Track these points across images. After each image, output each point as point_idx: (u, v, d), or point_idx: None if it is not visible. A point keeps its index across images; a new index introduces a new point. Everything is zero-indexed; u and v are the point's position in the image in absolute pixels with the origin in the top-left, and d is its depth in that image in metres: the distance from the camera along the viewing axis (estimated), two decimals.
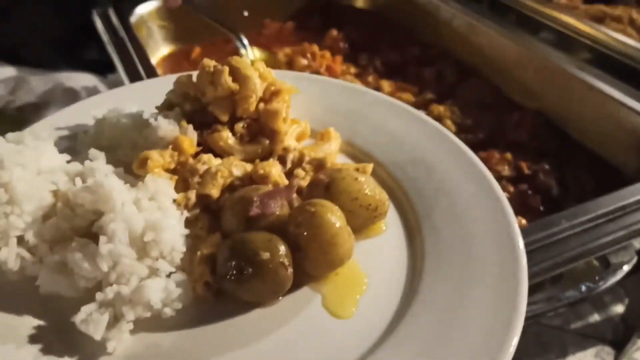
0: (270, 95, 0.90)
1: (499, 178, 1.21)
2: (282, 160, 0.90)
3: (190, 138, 0.85)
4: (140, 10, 1.70)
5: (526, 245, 0.81)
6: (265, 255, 0.70)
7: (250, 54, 1.59)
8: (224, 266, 0.71)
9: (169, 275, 0.72)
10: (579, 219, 0.97)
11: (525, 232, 0.83)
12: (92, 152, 0.84)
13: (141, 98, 0.98)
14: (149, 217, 0.73)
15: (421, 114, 0.97)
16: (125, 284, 0.70)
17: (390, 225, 0.84)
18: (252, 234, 0.73)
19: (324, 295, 0.75)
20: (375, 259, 0.80)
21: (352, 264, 0.78)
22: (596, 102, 1.30)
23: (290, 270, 0.71)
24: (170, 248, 0.73)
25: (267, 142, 0.89)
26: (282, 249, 0.71)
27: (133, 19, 1.65)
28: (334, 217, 0.74)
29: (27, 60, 1.97)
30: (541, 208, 1.18)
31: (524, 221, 1.10)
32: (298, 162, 0.90)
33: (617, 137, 1.26)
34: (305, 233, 0.73)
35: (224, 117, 0.89)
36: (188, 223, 0.78)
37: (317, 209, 0.74)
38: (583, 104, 1.33)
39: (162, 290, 0.70)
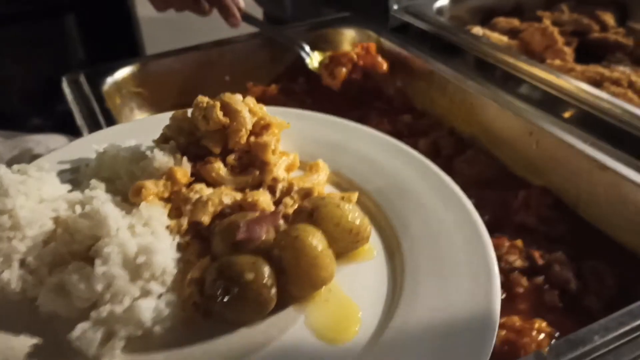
0: (261, 128, 0.96)
1: (511, 270, 1.11)
2: (271, 190, 0.95)
3: (184, 169, 0.91)
4: (115, 77, 1.59)
5: None
6: (250, 276, 0.74)
7: (315, 61, 1.65)
8: (211, 287, 0.75)
9: (160, 296, 0.77)
10: (612, 334, 0.85)
11: (554, 352, 0.81)
12: (93, 182, 0.90)
13: (141, 133, 1.04)
14: (142, 242, 0.78)
15: (402, 143, 1.03)
16: (118, 304, 0.74)
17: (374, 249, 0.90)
18: (238, 257, 0.77)
19: (308, 315, 0.79)
20: (359, 281, 0.84)
21: (340, 292, 0.82)
22: (608, 182, 1.17)
23: (273, 290, 0.76)
24: (162, 270, 0.78)
25: (257, 172, 0.95)
26: (266, 270, 0.76)
27: (106, 86, 1.55)
28: (316, 240, 0.78)
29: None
30: (560, 304, 1.06)
31: (544, 324, 0.99)
32: (287, 192, 0.95)
33: (634, 221, 1.14)
34: (288, 256, 0.77)
35: (217, 150, 0.94)
36: (179, 248, 0.83)
37: (299, 233, 0.78)
38: (593, 183, 1.20)
39: (153, 309, 0.74)
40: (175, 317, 0.76)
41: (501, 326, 0.97)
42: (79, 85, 1.52)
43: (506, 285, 1.08)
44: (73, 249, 0.80)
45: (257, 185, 0.95)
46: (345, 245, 0.85)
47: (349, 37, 1.92)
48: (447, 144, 1.48)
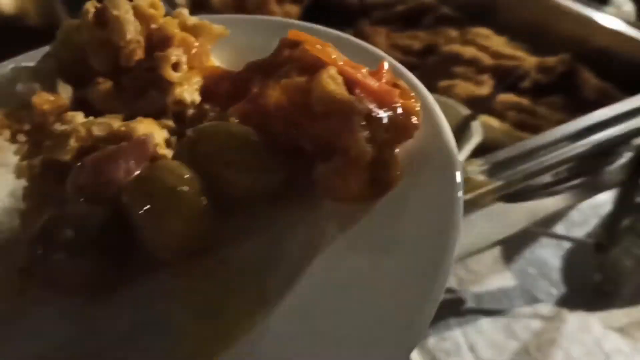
0: (164, 40, 0.72)
1: None
2: (178, 118, 0.72)
3: (50, 95, 0.70)
4: None
5: None
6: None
7: None
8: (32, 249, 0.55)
9: None
10: None
11: None
12: None
13: None
14: None
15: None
16: None
17: None
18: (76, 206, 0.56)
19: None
20: None
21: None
22: None
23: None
24: None
25: (156, 95, 0.72)
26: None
27: None
28: (175, 179, 0.55)
29: None
30: None
31: None
32: (198, 121, 0.72)
33: None
34: (136, 203, 0.55)
35: (102, 68, 0.72)
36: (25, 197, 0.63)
37: (151, 170, 0.55)
38: None
39: None
40: None
41: None
42: None
43: None
44: None
45: (159, 113, 0.72)
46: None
47: None
48: None
